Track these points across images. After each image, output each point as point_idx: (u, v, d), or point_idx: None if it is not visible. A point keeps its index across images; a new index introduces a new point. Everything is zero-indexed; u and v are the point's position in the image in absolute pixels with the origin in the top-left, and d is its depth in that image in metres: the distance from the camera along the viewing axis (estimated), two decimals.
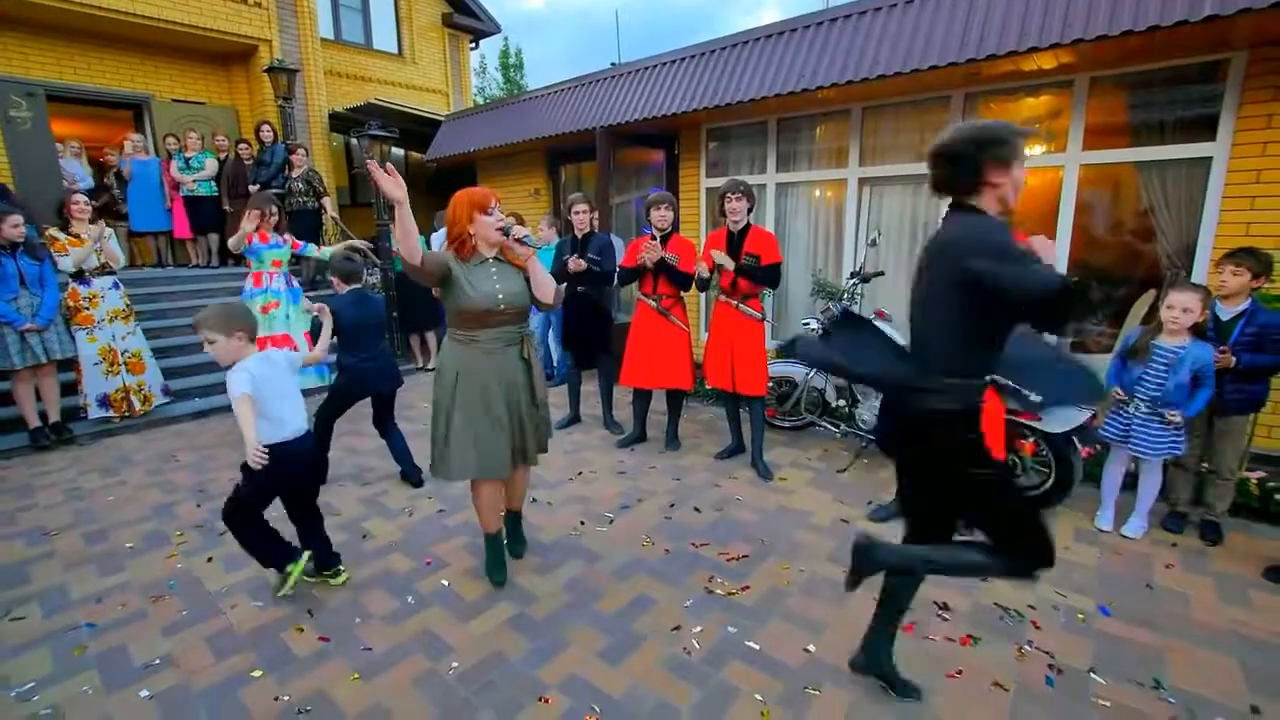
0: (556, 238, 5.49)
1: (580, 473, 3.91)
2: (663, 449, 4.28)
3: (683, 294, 4.03)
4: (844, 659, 2.19)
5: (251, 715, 1.99)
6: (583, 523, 3.25)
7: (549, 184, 7.69)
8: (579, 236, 4.38)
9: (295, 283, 4.88)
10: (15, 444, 4.43)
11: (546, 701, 2.02)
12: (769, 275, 3.65)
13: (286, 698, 2.05)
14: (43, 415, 4.50)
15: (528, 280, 2.49)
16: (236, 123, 8.57)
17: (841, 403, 4.39)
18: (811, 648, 2.26)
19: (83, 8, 6.83)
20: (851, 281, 4.22)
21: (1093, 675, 2.10)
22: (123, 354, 4.77)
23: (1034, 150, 4.28)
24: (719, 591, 2.62)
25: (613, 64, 6.94)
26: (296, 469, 2.50)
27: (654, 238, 3.84)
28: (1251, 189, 3.41)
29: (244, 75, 8.68)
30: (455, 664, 2.20)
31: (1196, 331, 2.80)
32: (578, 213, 4.35)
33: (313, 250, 5.03)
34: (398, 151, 9.78)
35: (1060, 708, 1.97)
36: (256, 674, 2.17)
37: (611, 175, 6.13)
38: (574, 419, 4.84)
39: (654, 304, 4.01)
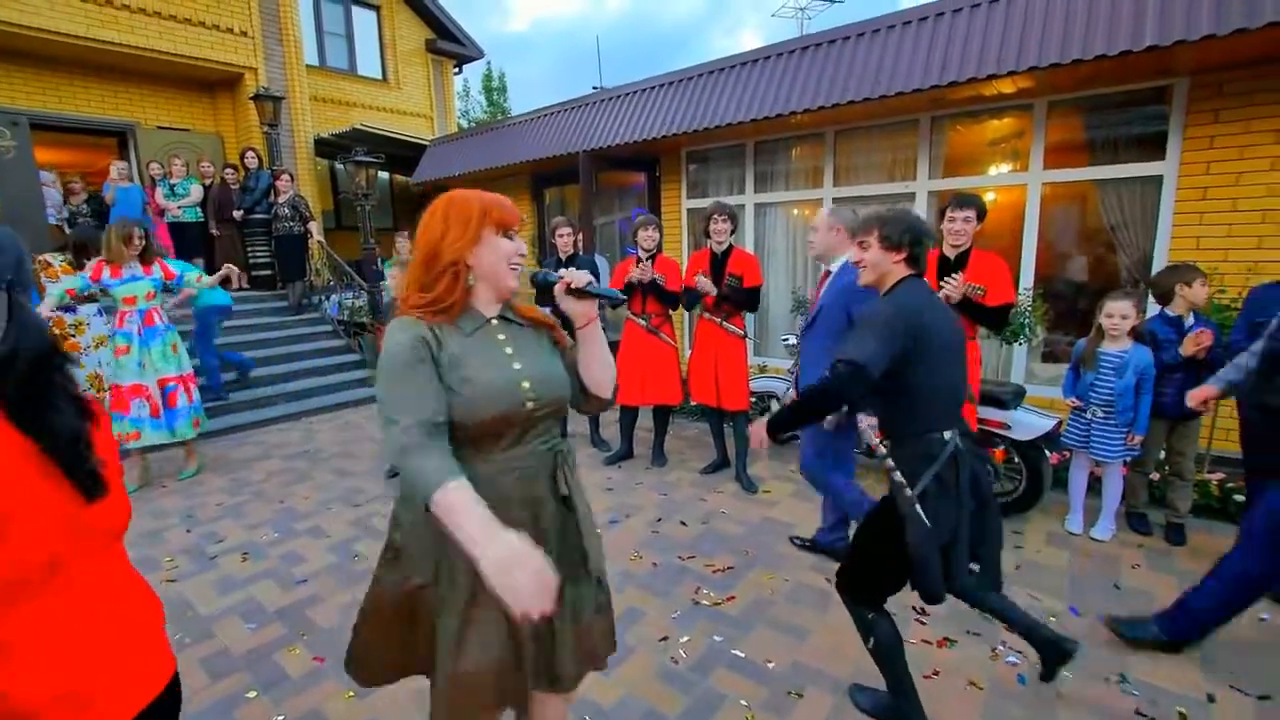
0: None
1: None
2: (649, 465, 4.36)
3: (670, 312, 4.14)
4: (827, 664, 2.28)
5: None
6: None
7: (533, 207, 7.82)
8: (563, 259, 4.48)
9: (161, 320, 4.23)
10: None
11: None
12: (749, 300, 3.78)
13: (281, 717, 2.09)
14: None
15: (563, 356, 1.42)
16: (222, 149, 8.63)
17: None
18: (795, 654, 2.34)
19: (68, 38, 6.89)
20: None
21: (1062, 672, 2.20)
22: (108, 381, 4.76)
23: (1000, 169, 4.49)
24: (705, 602, 2.70)
25: (595, 87, 7.13)
26: None
27: (639, 260, 3.96)
28: (1199, 205, 3.61)
29: (229, 102, 8.76)
30: None
31: (1135, 335, 2.97)
32: (561, 235, 4.45)
33: (190, 279, 4.42)
34: (383, 175, 9.88)
35: (1032, 704, 2.06)
36: (251, 695, 2.20)
37: (595, 197, 6.27)
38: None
39: (643, 323, 4.12)
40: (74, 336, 4.58)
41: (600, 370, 1.41)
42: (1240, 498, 3.23)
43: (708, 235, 3.83)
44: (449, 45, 11.41)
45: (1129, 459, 3.07)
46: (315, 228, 7.39)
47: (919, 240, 1.80)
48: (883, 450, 1.82)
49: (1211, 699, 2.05)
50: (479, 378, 1.22)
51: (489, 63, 24.95)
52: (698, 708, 2.09)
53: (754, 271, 3.78)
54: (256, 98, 7.91)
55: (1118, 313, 2.93)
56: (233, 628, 2.60)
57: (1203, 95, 3.54)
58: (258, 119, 8.06)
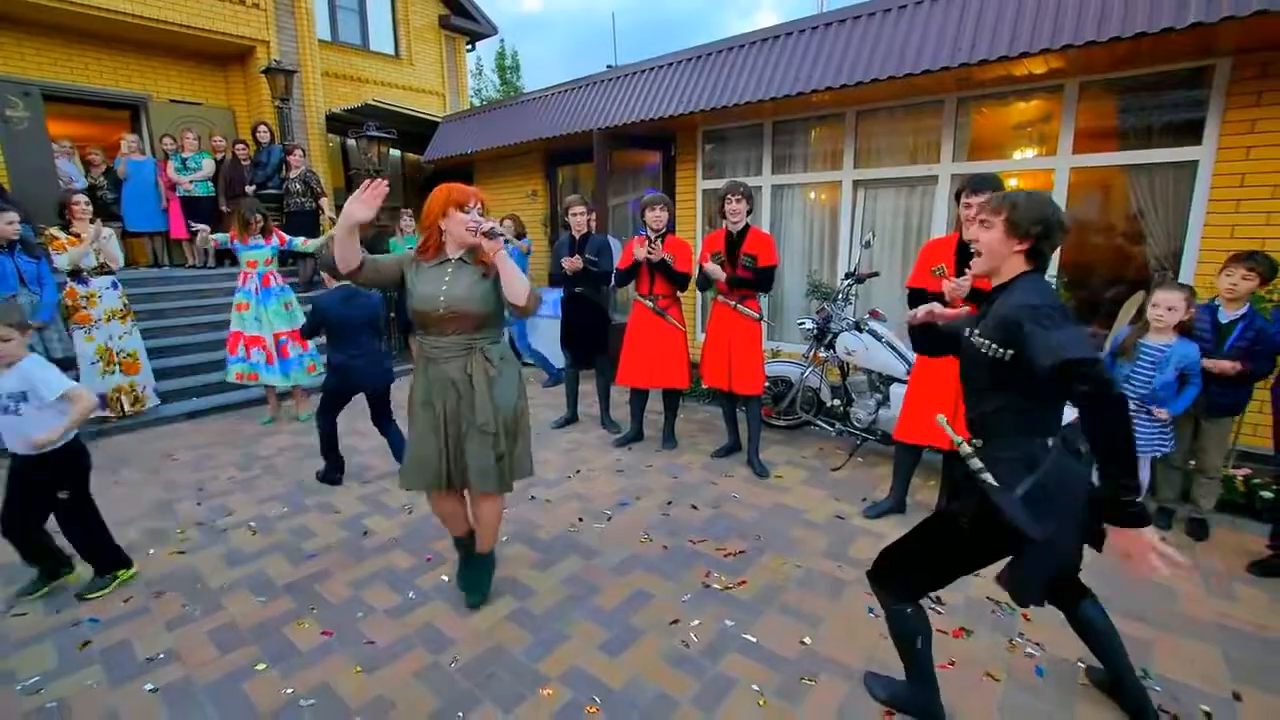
0: (513, 236, 5.60)
1: (578, 471, 3.94)
2: (660, 448, 4.32)
3: (679, 294, 4.07)
4: (840, 651, 2.24)
5: (256, 707, 2.01)
6: (581, 519, 3.29)
7: (546, 185, 7.73)
8: (576, 238, 4.42)
9: (277, 282, 4.95)
10: None
11: (548, 693, 2.06)
12: (761, 281, 3.70)
13: (290, 690, 2.08)
14: None
15: (496, 286, 2.24)
16: (234, 123, 8.57)
17: (837, 402, 4.45)
18: (807, 640, 2.30)
19: (81, 7, 6.82)
20: (846, 282, 4.28)
21: (1081, 665, 2.15)
22: (118, 354, 4.77)
23: (1026, 153, 4.36)
24: (716, 586, 2.66)
25: (609, 66, 6.98)
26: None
27: (649, 239, 3.88)
28: (1236, 192, 3.48)
29: (241, 76, 8.68)
30: (457, 657, 2.24)
31: (1183, 330, 2.85)
32: (575, 214, 4.38)
33: (298, 244, 5.10)
34: (394, 153, 9.78)
35: (1051, 697, 2.02)
36: (260, 667, 2.19)
37: (609, 177, 6.17)
38: (571, 418, 4.87)
39: (650, 304, 4.05)
40: (85, 308, 4.58)
41: (511, 288, 2.18)
42: (1266, 494, 3.16)
43: (723, 215, 3.75)
44: (462, 21, 11.24)
45: (1158, 454, 2.98)
46: (327, 204, 7.34)
47: (1049, 233, 1.62)
48: (969, 449, 1.68)
49: (1237, 697, 1.99)
50: (421, 289, 2.24)
51: (502, 41, 24.69)
52: (708, 692, 2.06)
53: (769, 251, 3.69)
54: (268, 71, 7.83)
55: (1164, 303, 2.80)
56: (242, 601, 2.60)
57: (1245, 76, 3.39)
58: (269, 93, 7.98)
